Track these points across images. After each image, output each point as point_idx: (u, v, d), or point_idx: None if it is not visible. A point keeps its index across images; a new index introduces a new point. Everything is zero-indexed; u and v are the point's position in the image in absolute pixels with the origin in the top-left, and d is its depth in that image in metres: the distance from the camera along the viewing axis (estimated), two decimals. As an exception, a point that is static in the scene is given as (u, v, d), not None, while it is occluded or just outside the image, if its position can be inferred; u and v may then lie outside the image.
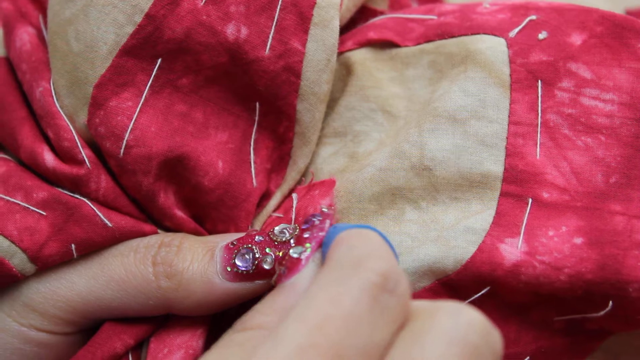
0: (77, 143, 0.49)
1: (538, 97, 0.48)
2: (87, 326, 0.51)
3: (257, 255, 0.49)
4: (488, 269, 0.47)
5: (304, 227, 0.47)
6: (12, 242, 0.49)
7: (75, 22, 0.49)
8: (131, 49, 0.49)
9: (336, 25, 0.51)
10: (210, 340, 0.52)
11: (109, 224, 0.49)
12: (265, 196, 0.53)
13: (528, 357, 0.49)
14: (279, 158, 0.53)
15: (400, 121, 0.51)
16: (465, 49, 0.50)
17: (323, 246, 0.46)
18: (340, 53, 0.53)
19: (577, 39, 0.49)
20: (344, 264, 0.41)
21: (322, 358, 0.38)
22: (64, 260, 0.50)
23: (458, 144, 0.49)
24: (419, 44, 0.52)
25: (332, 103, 0.53)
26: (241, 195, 0.52)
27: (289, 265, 0.45)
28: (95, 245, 0.50)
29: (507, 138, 0.48)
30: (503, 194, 0.48)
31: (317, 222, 0.47)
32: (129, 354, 0.50)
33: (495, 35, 0.50)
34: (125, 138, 0.49)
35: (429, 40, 0.52)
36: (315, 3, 0.50)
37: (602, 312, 0.47)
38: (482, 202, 0.48)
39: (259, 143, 0.52)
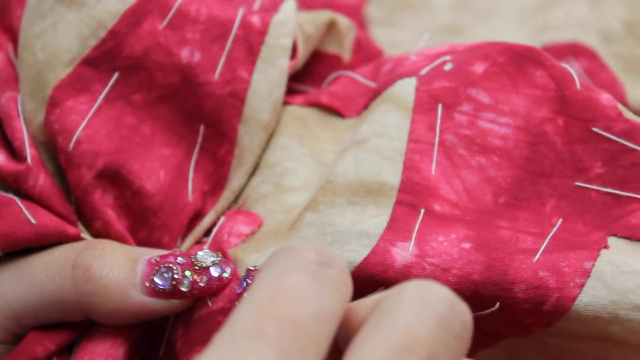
0: (25, 141, 0.53)
1: (437, 119, 0.52)
2: (22, 333, 0.53)
3: (175, 276, 0.51)
4: (380, 270, 0.49)
5: (239, 291, 0.50)
6: None
7: (44, 35, 0.54)
8: (92, 60, 0.54)
9: (282, 64, 0.56)
10: (132, 349, 0.54)
11: (33, 221, 0.52)
12: (199, 216, 0.57)
13: None
14: (217, 181, 0.56)
15: (327, 169, 0.55)
16: (381, 98, 0.54)
17: None
18: (289, 103, 0.58)
19: (479, 67, 0.52)
20: (278, 257, 0.42)
21: (279, 326, 0.39)
22: None
23: (359, 158, 0.52)
24: (359, 114, 0.56)
25: (270, 140, 0.57)
26: (178, 205, 0.55)
27: None
28: (18, 241, 0.52)
29: (405, 154, 0.52)
30: (398, 202, 0.51)
31: (250, 281, 0.50)
32: (52, 359, 0.52)
33: (409, 76, 0.54)
34: (77, 134, 0.53)
35: (365, 107, 0.56)
36: (264, 41, 0.56)
37: (488, 311, 0.48)
38: (377, 208, 0.51)
39: (199, 164, 0.56)
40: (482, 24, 0.66)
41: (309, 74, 0.60)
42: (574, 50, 0.64)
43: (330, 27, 0.61)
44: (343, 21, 0.61)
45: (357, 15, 0.67)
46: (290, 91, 0.60)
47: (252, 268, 0.51)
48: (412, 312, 0.40)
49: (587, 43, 0.65)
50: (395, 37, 0.66)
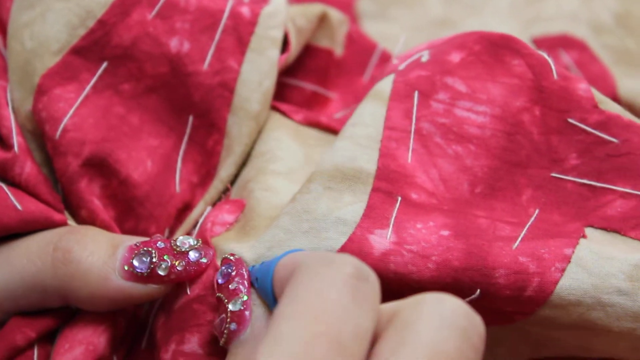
0: (12, 130, 0.54)
1: (414, 106, 0.52)
2: (4, 319, 0.53)
3: (154, 260, 0.51)
4: (358, 258, 0.49)
5: (221, 282, 0.50)
6: None
7: (32, 24, 0.54)
8: (80, 49, 0.54)
9: (272, 55, 0.56)
10: (116, 338, 0.54)
11: (19, 207, 0.52)
12: (189, 208, 0.57)
13: None
14: (206, 173, 0.57)
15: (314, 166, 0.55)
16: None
17: (258, 283, 0.49)
18: (286, 116, 0.58)
19: (456, 57, 0.52)
20: (315, 268, 0.43)
21: (326, 345, 0.40)
22: None
23: (335, 146, 0.52)
24: None
25: (263, 134, 0.57)
26: (165, 195, 0.56)
27: (237, 320, 0.48)
28: (3, 227, 0.52)
29: (381, 141, 0.52)
30: (375, 189, 0.51)
31: (233, 272, 0.50)
32: (34, 347, 0.52)
33: (388, 75, 0.54)
34: (64, 122, 0.53)
35: None
36: (253, 31, 0.56)
37: (468, 299, 0.48)
38: (354, 195, 0.51)
39: (187, 155, 0.56)
40: (473, 17, 0.66)
41: (300, 68, 0.60)
42: (565, 42, 0.64)
43: (322, 21, 0.61)
44: (335, 14, 0.61)
45: (348, 9, 0.67)
46: (282, 85, 0.60)
47: (230, 257, 0.50)
48: (435, 328, 0.41)
49: (578, 35, 0.65)
50: (386, 31, 0.66)
